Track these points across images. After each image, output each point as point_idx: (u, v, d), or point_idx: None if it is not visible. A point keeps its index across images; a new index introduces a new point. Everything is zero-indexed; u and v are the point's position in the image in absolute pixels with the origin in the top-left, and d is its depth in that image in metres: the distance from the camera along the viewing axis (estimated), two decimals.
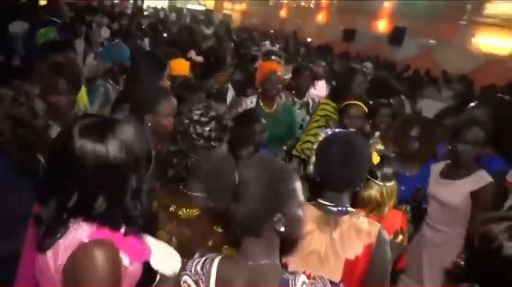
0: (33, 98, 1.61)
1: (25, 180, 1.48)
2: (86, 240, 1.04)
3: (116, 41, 4.61)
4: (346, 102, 2.87)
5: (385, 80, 5.15)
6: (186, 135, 1.49)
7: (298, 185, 1.19)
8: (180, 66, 3.22)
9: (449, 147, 2.30)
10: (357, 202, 1.74)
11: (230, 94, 3.94)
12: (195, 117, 1.48)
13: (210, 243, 1.44)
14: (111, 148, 1.02)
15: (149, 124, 1.84)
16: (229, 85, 4.00)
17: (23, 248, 1.39)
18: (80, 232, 1.06)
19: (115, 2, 17.29)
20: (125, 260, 1.10)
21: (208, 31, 11.75)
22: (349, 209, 1.51)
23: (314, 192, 2.04)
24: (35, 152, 1.61)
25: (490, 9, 9.44)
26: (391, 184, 1.80)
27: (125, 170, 1.05)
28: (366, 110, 2.81)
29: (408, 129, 2.32)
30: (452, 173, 2.32)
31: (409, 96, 6.92)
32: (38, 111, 1.61)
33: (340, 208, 1.48)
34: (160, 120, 1.85)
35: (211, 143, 1.49)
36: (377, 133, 2.97)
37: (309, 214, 1.44)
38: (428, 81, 9.23)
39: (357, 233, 1.42)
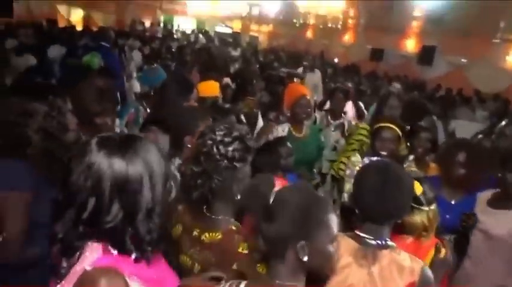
0: (65, 113, 1.66)
1: (55, 191, 1.53)
2: (88, 268, 1.02)
3: (155, 65, 4.76)
4: (378, 125, 2.78)
5: (417, 101, 5.04)
6: (210, 156, 1.48)
7: (332, 218, 1.15)
8: (209, 88, 3.25)
9: (499, 175, 2.12)
10: (403, 229, 1.65)
11: (260, 121, 3.95)
12: (219, 138, 1.48)
13: (235, 266, 1.41)
14: (128, 162, 1.03)
15: (189, 145, 1.86)
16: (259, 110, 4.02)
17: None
18: (87, 257, 1.04)
19: (146, 26, 17.99)
20: None
21: (236, 53, 11.95)
22: (389, 243, 1.44)
23: (347, 220, 2.00)
24: (63, 164, 1.66)
25: None
26: (434, 206, 1.72)
27: (140, 186, 1.04)
28: (400, 133, 2.72)
29: (455, 154, 2.19)
30: (501, 203, 2.14)
31: (441, 117, 6.75)
32: (69, 126, 1.65)
33: (379, 242, 1.41)
34: None
35: (235, 163, 1.48)
36: (411, 157, 2.88)
37: (345, 246, 1.39)
38: (461, 101, 8.95)
39: (398, 270, 1.35)
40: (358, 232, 1.45)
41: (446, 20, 10.22)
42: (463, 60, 11.85)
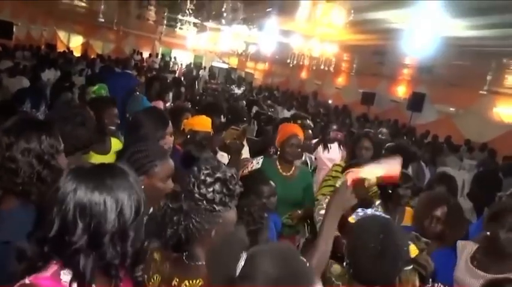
0: (57, 154, 1.61)
1: None
2: (27, 281, 1.04)
3: (137, 94, 4.76)
4: (348, 164, 2.79)
5: (404, 147, 5.08)
6: (190, 195, 1.43)
7: None
8: (202, 123, 3.24)
9: (487, 233, 1.93)
10: None
11: (245, 152, 3.92)
12: (202, 177, 1.43)
13: None
14: (93, 187, 1.07)
15: (142, 187, 1.79)
16: (245, 142, 3.99)
17: None
18: (36, 273, 1.07)
19: (144, 57, 18.29)
20: None
21: (239, 91, 12.10)
22: None
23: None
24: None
25: (510, 80, 9.52)
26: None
27: (104, 211, 1.06)
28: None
29: (433, 208, 2.10)
30: (488, 263, 1.95)
31: (429, 163, 6.81)
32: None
33: None
34: (154, 183, 1.77)
35: (214, 206, 1.42)
36: (378, 202, 2.79)
37: None
38: (449, 148, 9.10)
39: None
40: None
41: (436, 70, 10.58)
42: (451, 109, 12.18)
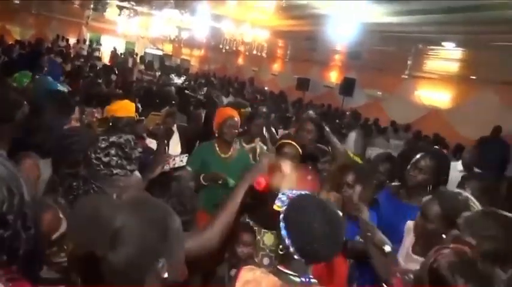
0: None
1: None
2: None
3: (38, 77, 4.45)
4: (281, 141, 2.92)
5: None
6: (88, 161, 1.47)
7: (180, 224, 1.07)
8: (125, 108, 3.11)
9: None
10: None
11: (175, 138, 3.84)
12: (97, 143, 1.48)
13: None
14: None
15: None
16: (175, 128, 3.91)
17: None
18: None
19: (71, 43, 17.10)
20: None
21: (179, 81, 11.66)
22: (313, 280, 1.37)
23: None
24: None
25: (429, 65, 10.29)
26: None
27: None
28: (300, 150, 2.82)
29: (344, 175, 2.28)
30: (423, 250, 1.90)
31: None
32: None
33: (303, 279, 1.34)
34: None
35: (112, 169, 1.46)
36: None
37: (266, 282, 1.31)
38: (377, 130, 9.65)
39: None
40: (281, 268, 1.37)
41: (363, 56, 11.11)
42: (378, 93, 12.90)
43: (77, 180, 1.46)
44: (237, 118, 3.30)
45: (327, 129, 3.46)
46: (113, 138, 1.49)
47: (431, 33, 7.28)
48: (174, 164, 1.97)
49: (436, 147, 4.68)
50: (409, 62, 9.73)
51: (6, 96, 2.06)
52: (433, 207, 1.87)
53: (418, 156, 2.59)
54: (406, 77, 11.26)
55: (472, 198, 1.78)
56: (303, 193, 1.46)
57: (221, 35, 9.79)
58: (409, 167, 2.58)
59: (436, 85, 11.30)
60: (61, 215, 1.60)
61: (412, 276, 1.72)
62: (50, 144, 1.77)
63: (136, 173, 1.58)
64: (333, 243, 1.33)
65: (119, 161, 1.47)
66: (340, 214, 1.47)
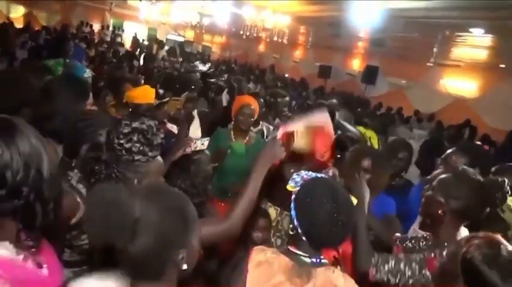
0: None
1: None
2: None
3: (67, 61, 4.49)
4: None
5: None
6: (110, 146, 1.47)
7: (195, 212, 1.07)
8: (145, 95, 3.15)
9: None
10: None
11: (196, 123, 3.87)
12: (120, 128, 1.47)
13: None
14: None
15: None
16: (195, 114, 3.94)
17: None
18: None
19: (94, 29, 17.33)
20: None
21: (204, 68, 11.67)
22: (324, 260, 1.38)
23: None
24: None
25: (455, 52, 9.95)
26: None
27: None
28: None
29: (360, 160, 2.24)
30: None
31: (381, 134, 7.06)
32: None
33: (314, 260, 1.35)
34: None
35: (134, 156, 1.45)
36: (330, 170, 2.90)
37: (278, 263, 1.32)
38: (400, 119, 9.47)
39: None
40: (292, 249, 1.39)
41: (387, 43, 10.84)
42: (402, 81, 12.61)
43: (99, 164, 1.46)
44: (253, 106, 3.25)
45: (338, 116, 3.42)
46: (135, 124, 1.47)
47: (458, 19, 7.01)
48: (195, 147, 2.01)
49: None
50: (434, 49, 9.43)
51: (27, 81, 2.08)
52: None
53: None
54: (431, 64, 10.94)
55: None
56: (318, 175, 1.47)
57: (242, 21, 9.71)
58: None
59: (463, 73, 10.95)
60: (78, 200, 1.64)
61: (410, 244, 1.78)
62: (66, 129, 1.78)
63: (158, 158, 1.57)
64: (338, 228, 1.32)
65: (141, 148, 1.46)
66: (354, 200, 1.46)
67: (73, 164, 1.67)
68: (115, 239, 0.93)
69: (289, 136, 1.70)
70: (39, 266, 1.06)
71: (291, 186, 1.44)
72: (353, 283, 1.35)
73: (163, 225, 0.97)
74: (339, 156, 2.76)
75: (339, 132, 3.34)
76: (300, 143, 1.79)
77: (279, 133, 1.68)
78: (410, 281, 1.61)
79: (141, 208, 0.95)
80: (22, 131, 1.01)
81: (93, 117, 1.80)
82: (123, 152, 1.45)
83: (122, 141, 1.45)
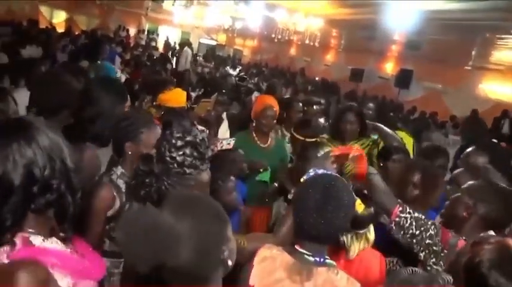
0: None
1: None
2: (6, 261, 0.95)
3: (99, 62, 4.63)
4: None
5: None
6: (162, 158, 1.44)
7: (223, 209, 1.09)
8: (177, 98, 3.22)
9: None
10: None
11: (224, 125, 3.91)
12: (173, 141, 1.44)
13: None
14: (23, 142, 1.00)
15: (129, 153, 1.78)
16: (225, 116, 3.97)
17: None
18: (5, 249, 0.98)
19: (130, 34, 17.91)
20: (63, 280, 1.00)
21: (234, 73, 11.84)
22: (328, 261, 1.37)
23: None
24: None
25: (495, 55, 9.56)
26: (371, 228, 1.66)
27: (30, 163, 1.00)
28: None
29: (410, 174, 2.07)
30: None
31: (415, 139, 6.84)
32: None
33: (317, 259, 1.35)
34: (141, 150, 1.74)
35: (185, 169, 1.43)
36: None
37: (281, 260, 1.34)
38: (434, 125, 9.17)
39: None
40: (297, 247, 1.39)
41: (422, 46, 10.56)
42: (437, 85, 12.22)
43: (150, 177, 1.44)
44: (276, 108, 3.20)
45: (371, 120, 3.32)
46: (189, 138, 1.45)
47: (499, 21, 6.72)
48: (221, 147, 2.04)
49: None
50: (473, 53, 9.08)
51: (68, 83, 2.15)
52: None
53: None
54: (470, 68, 10.55)
55: None
56: (327, 173, 1.49)
57: (274, 25, 9.74)
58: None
59: (503, 77, 10.49)
60: (115, 193, 1.70)
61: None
62: (108, 132, 1.82)
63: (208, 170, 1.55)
64: (324, 220, 1.31)
65: (193, 161, 1.44)
66: (359, 205, 1.47)
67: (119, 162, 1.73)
68: (164, 260, 0.93)
69: (344, 156, 1.73)
70: (82, 256, 1.10)
71: (303, 178, 1.50)
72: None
73: (202, 229, 0.98)
74: (381, 165, 2.67)
75: (375, 137, 3.22)
76: (351, 166, 1.82)
77: (336, 150, 1.73)
78: (428, 241, 1.62)
79: (177, 221, 0.96)
80: (38, 127, 1.04)
81: (135, 116, 1.85)
82: (175, 165, 1.43)
83: (174, 155, 1.43)
